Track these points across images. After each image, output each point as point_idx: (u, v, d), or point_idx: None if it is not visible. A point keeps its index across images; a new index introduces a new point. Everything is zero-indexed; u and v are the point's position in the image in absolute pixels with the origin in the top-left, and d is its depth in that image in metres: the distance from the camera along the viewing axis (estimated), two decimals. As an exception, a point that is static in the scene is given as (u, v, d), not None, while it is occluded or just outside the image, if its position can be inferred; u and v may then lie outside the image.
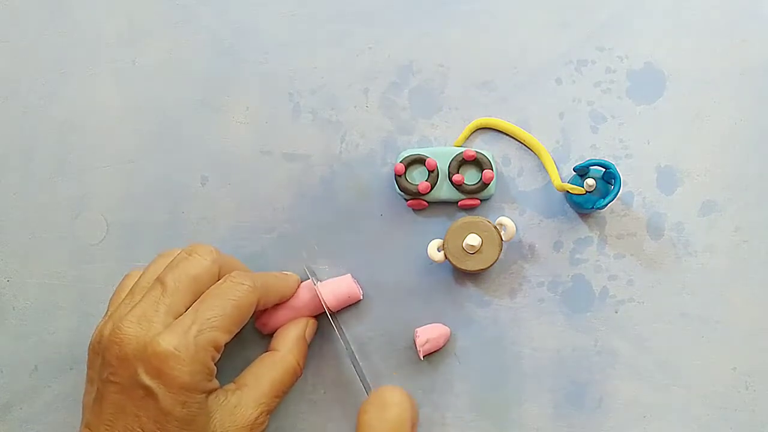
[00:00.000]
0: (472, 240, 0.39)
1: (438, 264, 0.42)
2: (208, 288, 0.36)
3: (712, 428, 0.41)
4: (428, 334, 0.41)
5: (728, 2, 0.43)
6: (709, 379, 0.41)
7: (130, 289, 0.37)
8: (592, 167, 0.41)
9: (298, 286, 0.41)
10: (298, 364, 0.39)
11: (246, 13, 0.45)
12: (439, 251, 0.40)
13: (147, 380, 0.33)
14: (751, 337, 0.41)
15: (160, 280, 0.35)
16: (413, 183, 0.42)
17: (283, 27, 0.44)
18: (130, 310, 0.35)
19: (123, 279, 0.40)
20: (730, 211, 0.42)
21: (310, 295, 0.41)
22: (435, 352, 0.42)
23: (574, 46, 0.43)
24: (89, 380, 0.36)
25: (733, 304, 0.41)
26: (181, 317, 0.34)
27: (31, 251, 0.44)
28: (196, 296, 0.36)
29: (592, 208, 0.40)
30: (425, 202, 0.42)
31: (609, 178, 0.40)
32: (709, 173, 0.42)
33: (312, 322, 0.41)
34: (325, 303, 0.40)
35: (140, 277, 0.38)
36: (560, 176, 0.42)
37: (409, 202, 0.42)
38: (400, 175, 0.41)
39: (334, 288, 0.41)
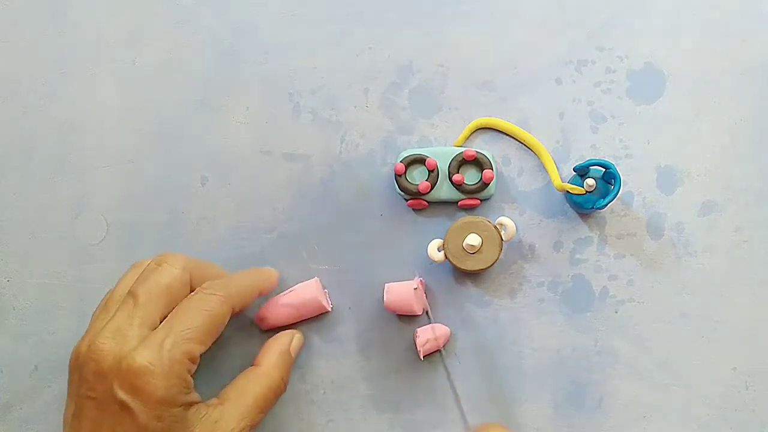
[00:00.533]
0: (472, 240, 0.39)
1: (438, 264, 0.42)
2: (180, 296, 0.36)
3: (712, 428, 0.41)
4: (428, 334, 0.41)
5: (728, 2, 0.43)
6: (709, 379, 0.41)
7: (105, 303, 0.37)
8: (592, 167, 0.41)
9: (277, 279, 0.41)
10: (282, 380, 0.39)
11: (246, 13, 0.45)
12: (439, 251, 0.40)
13: (122, 395, 0.32)
14: (751, 337, 0.41)
15: (131, 293, 0.35)
16: (413, 183, 0.42)
17: (283, 27, 0.44)
18: (105, 325, 0.35)
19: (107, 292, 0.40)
20: (730, 211, 0.42)
21: (310, 294, 0.41)
22: (435, 352, 0.42)
23: (574, 46, 0.43)
24: (69, 396, 0.36)
25: (733, 304, 0.41)
26: (155, 331, 0.34)
27: (31, 251, 0.44)
28: (170, 305, 0.36)
29: (592, 208, 0.40)
30: (425, 202, 0.42)
31: (609, 178, 0.40)
32: (709, 173, 0.42)
33: (298, 336, 0.41)
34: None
35: (113, 290, 0.38)
36: (560, 176, 0.42)
37: (409, 202, 0.42)
38: (400, 175, 0.41)
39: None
